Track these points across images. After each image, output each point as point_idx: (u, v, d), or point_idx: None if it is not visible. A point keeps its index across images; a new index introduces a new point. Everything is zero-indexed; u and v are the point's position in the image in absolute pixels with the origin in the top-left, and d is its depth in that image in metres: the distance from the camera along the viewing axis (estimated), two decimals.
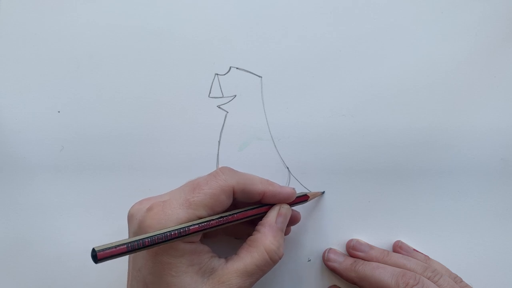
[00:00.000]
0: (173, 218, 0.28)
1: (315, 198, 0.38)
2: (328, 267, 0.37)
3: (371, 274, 0.33)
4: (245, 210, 0.32)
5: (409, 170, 0.38)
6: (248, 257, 0.30)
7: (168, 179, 0.38)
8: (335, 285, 0.37)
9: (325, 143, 0.38)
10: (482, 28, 0.39)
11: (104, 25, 0.39)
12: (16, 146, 0.38)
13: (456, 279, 0.35)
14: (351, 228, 0.38)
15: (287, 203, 0.34)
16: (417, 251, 0.37)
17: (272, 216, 0.32)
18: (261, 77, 0.39)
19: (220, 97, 0.39)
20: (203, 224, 0.28)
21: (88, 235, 0.38)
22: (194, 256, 0.29)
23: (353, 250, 0.37)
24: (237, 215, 0.31)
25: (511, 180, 0.38)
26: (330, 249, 0.38)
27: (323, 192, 0.38)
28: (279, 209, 0.33)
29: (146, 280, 0.29)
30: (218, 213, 0.30)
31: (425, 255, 0.37)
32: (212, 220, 0.29)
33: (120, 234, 0.35)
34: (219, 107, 0.39)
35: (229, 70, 0.39)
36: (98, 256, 0.24)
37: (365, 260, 0.36)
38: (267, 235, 0.31)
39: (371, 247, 0.37)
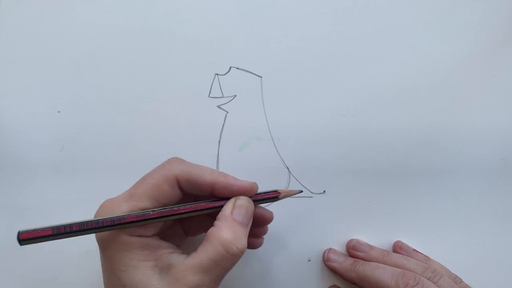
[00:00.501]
0: (115, 211, 0.27)
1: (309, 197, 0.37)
2: (328, 267, 0.37)
3: (371, 274, 0.33)
4: (194, 204, 0.30)
5: (409, 170, 0.38)
6: (203, 252, 0.28)
7: None
8: (335, 285, 0.37)
9: (325, 143, 0.38)
10: (482, 28, 0.39)
11: (104, 25, 0.39)
12: (16, 146, 0.38)
13: (456, 280, 0.35)
14: (351, 228, 0.38)
15: (249, 197, 0.31)
16: (417, 251, 0.37)
17: (227, 209, 0.30)
18: (261, 77, 0.39)
19: (220, 97, 0.39)
20: (140, 215, 0.27)
21: (88, 235, 0.37)
22: (147, 251, 0.28)
23: (353, 250, 0.37)
24: (184, 208, 0.29)
25: (511, 180, 0.38)
26: (330, 249, 0.38)
27: (301, 191, 0.34)
28: (235, 201, 0.30)
29: (104, 277, 0.29)
30: (165, 205, 0.29)
31: (425, 255, 0.37)
32: (153, 211, 0.28)
33: None
34: (219, 107, 0.39)
35: (229, 70, 0.39)
36: (20, 237, 0.24)
37: (365, 260, 0.36)
38: (220, 228, 0.28)
39: (371, 247, 0.37)
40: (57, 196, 0.38)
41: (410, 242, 0.38)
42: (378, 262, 0.35)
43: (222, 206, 0.30)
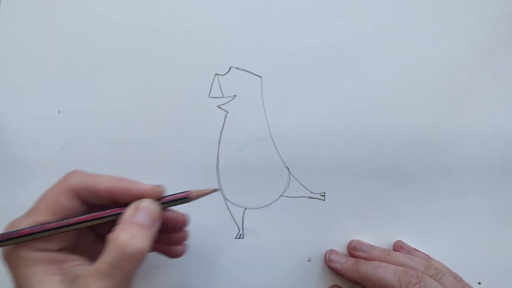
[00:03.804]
0: (17, 228, 0.28)
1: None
2: (330, 268, 0.37)
3: (373, 273, 0.33)
4: (95, 212, 0.29)
5: (409, 170, 0.38)
6: (102, 257, 0.27)
7: (168, 179, 0.38)
8: (336, 285, 0.37)
9: (325, 143, 0.38)
10: (482, 28, 0.39)
11: (104, 25, 0.39)
12: (16, 146, 0.38)
13: (457, 278, 0.35)
14: (351, 228, 0.38)
15: (155, 199, 0.30)
16: (417, 250, 0.37)
17: (127, 212, 0.29)
18: (261, 77, 0.39)
19: (220, 97, 0.39)
20: (36, 227, 0.27)
21: None
22: (54, 266, 0.28)
23: (354, 251, 0.37)
24: (84, 217, 0.29)
25: (511, 180, 0.38)
26: (331, 250, 0.38)
27: (215, 190, 0.32)
28: (136, 204, 0.29)
29: None
30: (66, 217, 0.29)
31: (425, 254, 0.37)
32: (50, 223, 0.28)
33: None
34: (219, 107, 0.39)
35: (229, 70, 0.39)
36: None
37: (366, 260, 0.36)
38: (118, 230, 0.28)
39: (372, 247, 0.37)
40: None
41: (410, 242, 0.38)
42: (380, 261, 0.35)
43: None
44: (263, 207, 0.38)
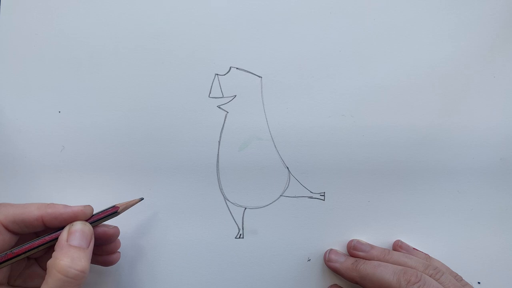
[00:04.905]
0: None
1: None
2: (330, 267, 0.37)
3: (373, 272, 0.33)
4: (29, 243, 0.30)
5: (409, 170, 0.38)
6: (45, 284, 0.28)
7: (168, 179, 0.38)
8: (335, 284, 0.37)
9: (325, 143, 0.38)
10: (482, 28, 0.39)
11: (104, 25, 0.39)
12: (17, 146, 0.38)
13: (457, 278, 0.35)
14: (351, 228, 0.38)
15: (85, 220, 0.32)
16: (417, 250, 0.37)
17: (62, 237, 0.30)
18: (261, 77, 0.39)
19: (220, 97, 0.39)
20: None
21: None
22: None
23: (354, 250, 0.37)
24: (19, 250, 0.29)
25: (510, 180, 0.38)
26: (331, 249, 0.38)
27: (141, 199, 0.35)
28: (69, 228, 0.30)
29: None
30: (1, 251, 0.30)
31: (425, 253, 0.37)
32: None
33: (120, 235, 0.35)
34: (219, 107, 0.39)
35: (229, 70, 0.39)
36: None
37: (366, 259, 0.36)
38: (57, 257, 0.29)
39: (371, 246, 0.37)
40: (57, 196, 0.38)
41: (410, 241, 0.38)
42: (380, 261, 0.35)
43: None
44: (263, 207, 0.38)
